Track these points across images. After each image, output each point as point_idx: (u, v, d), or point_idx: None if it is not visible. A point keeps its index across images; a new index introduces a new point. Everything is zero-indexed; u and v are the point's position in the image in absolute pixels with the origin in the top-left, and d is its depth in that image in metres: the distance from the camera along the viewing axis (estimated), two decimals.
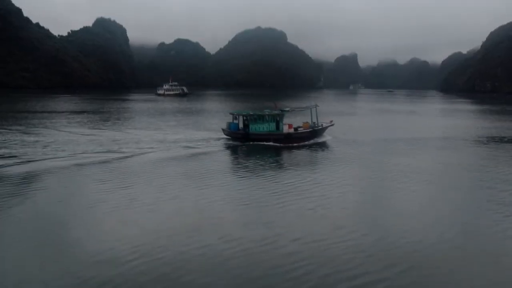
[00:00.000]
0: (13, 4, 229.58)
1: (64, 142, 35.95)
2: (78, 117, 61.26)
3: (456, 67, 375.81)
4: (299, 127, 39.84)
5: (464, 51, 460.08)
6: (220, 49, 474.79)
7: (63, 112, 71.96)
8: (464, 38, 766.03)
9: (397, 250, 14.16)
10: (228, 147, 36.04)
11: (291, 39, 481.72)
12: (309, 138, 38.90)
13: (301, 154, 33.72)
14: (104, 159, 29.13)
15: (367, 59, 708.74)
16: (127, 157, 30.12)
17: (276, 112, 39.48)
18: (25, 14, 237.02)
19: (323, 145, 37.81)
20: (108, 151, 31.92)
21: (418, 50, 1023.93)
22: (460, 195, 21.62)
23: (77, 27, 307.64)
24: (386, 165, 28.90)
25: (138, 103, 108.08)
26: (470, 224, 17.00)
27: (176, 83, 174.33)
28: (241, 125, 39.34)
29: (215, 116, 67.60)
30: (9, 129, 44.02)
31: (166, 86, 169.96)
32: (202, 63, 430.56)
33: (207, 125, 53.08)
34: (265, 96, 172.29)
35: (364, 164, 29.33)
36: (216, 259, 13.23)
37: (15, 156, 29.03)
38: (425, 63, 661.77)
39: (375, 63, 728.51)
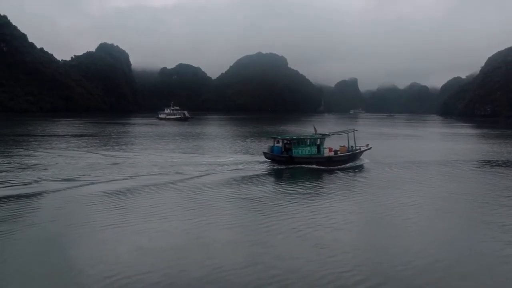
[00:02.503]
0: (18, 30, 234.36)
1: (65, 165, 35.91)
2: (79, 141, 61.44)
3: (456, 91, 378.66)
4: (337, 150, 40.70)
5: (463, 76, 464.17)
6: (222, 74, 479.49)
7: (65, 135, 72.30)
8: (463, 63, 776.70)
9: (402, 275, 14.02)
10: (274, 170, 36.17)
11: (291, 64, 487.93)
12: (348, 161, 40.07)
13: (346, 177, 34.20)
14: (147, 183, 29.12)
15: (367, 84, 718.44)
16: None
17: (317, 136, 40.91)
18: (30, 39, 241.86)
19: (362, 168, 39.22)
20: (148, 175, 31.95)
21: (418, 75, 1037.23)
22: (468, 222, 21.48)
23: (80, 52, 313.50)
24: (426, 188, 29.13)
25: (145, 127, 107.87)
26: (473, 250, 16.83)
27: (177, 107, 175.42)
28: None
29: (239, 140, 67.56)
30: (12, 152, 44.16)
31: (167, 110, 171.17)
32: (203, 87, 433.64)
33: (239, 148, 53.37)
34: (266, 121, 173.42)
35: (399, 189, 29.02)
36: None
37: (15, 180, 28.96)
38: (424, 87, 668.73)
39: (375, 88, 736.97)
